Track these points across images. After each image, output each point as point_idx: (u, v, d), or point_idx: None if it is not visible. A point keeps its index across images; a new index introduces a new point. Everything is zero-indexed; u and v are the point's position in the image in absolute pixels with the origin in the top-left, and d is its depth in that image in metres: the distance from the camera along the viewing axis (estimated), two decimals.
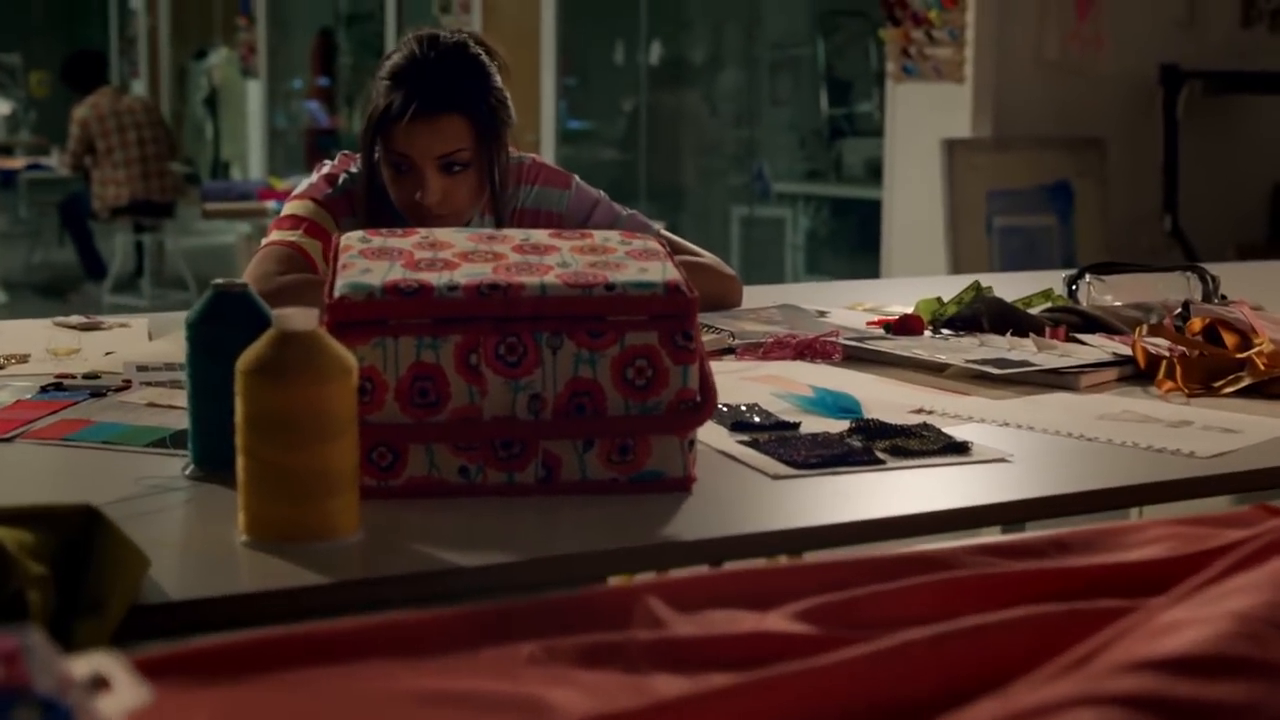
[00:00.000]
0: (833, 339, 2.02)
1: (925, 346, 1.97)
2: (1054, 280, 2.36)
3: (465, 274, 1.31)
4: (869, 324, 2.21)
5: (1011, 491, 1.39)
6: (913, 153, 5.63)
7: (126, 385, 1.76)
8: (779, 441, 1.50)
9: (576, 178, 2.42)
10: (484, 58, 2.19)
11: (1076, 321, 2.11)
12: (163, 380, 1.79)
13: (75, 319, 2.21)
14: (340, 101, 11.75)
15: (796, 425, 1.58)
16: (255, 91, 11.68)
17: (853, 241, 8.41)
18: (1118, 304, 2.24)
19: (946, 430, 1.56)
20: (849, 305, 2.45)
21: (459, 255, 1.36)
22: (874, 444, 1.50)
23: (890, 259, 5.78)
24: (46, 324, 2.21)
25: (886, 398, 1.75)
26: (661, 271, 1.34)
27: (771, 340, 2.03)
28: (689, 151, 8.83)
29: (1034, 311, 2.15)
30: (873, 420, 1.56)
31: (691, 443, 1.34)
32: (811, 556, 1.15)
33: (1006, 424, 1.63)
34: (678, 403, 1.31)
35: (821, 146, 8.62)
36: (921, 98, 5.63)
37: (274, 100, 11.87)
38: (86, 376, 1.82)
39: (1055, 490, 1.39)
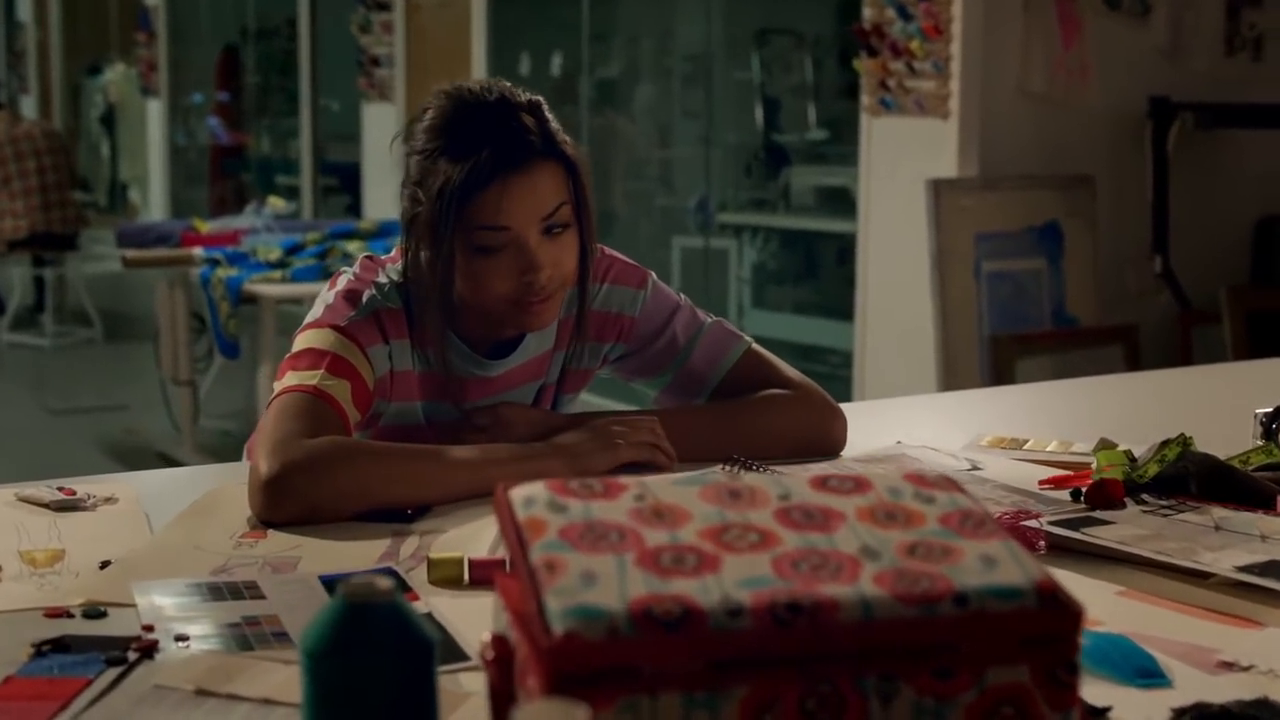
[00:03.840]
0: (1035, 522, 1.60)
1: (1161, 535, 1.55)
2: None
3: (740, 580, 0.87)
4: (1042, 484, 1.80)
5: None
6: (890, 189, 5.26)
7: (150, 634, 1.29)
8: None
9: (653, 275, 1.97)
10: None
11: None
12: (193, 622, 1.32)
13: (45, 492, 1.72)
14: (246, 119, 11.18)
15: (1106, 711, 1.16)
16: (156, 111, 11.05)
17: (802, 274, 8.01)
18: None
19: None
20: (982, 441, 2.03)
21: (708, 536, 0.92)
22: None
23: (866, 300, 5.40)
24: (8, 498, 1.73)
25: (1149, 629, 1.33)
26: (1016, 563, 0.91)
27: None
28: (619, 178, 8.38)
29: (1252, 469, 1.75)
30: (1216, 707, 1.14)
31: None
32: None
33: None
34: None
35: (764, 173, 8.20)
36: (901, 132, 5.25)
37: (174, 116, 11.27)
38: (87, 615, 1.35)
39: None
